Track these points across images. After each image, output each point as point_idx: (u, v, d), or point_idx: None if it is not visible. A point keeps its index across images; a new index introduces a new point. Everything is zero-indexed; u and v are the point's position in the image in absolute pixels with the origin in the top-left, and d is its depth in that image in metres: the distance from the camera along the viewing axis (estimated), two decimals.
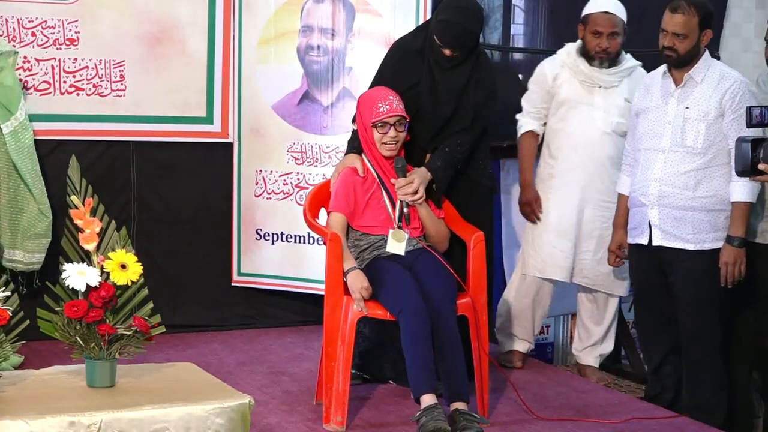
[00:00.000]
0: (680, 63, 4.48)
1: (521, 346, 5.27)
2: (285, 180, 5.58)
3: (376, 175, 4.40)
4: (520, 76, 6.36)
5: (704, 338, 4.56)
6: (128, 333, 3.11)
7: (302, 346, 5.42)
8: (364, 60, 5.38)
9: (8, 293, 3.11)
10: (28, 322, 3.22)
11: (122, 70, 5.31)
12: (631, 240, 4.71)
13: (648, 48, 5.32)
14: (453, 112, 4.47)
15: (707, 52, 4.52)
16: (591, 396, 4.83)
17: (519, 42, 6.42)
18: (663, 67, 4.58)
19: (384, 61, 4.65)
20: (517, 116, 5.22)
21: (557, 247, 5.11)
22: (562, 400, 4.72)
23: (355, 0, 5.47)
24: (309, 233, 5.48)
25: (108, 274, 3.11)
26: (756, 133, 3.95)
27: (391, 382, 4.75)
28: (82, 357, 3.13)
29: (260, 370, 4.98)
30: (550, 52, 5.37)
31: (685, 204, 4.47)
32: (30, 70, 5.15)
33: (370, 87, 4.59)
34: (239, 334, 5.61)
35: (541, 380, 5.02)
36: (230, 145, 5.61)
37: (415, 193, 4.32)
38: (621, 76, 5.05)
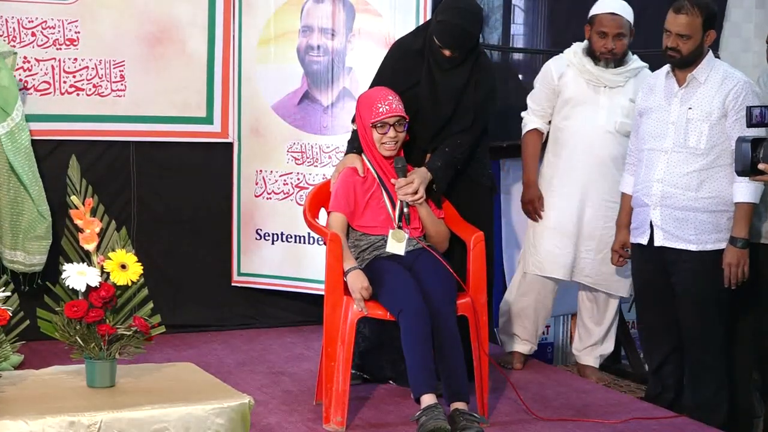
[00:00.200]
0: (684, 63, 4.47)
1: (522, 347, 5.27)
2: (285, 180, 5.58)
3: (376, 175, 4.40)
4: (520, 76, 6.36)
5: (706, 338, 4.56)
6: (128, 333, 3.12)
7: (302, 346, 5.42)
8: (364, 60, 5.38)
9: (8, 293, 3.11)
10: (28, 322, 3.22)
11: (122, 70, 5.31)
12: (633, 240, 4.71)
13: (647, 48, 5.33)
14: (453, 113, 4.47)
15: (711, 53, 4.52)
16: (591, 396, 4.83)
17: (519, 42, 6.42)
18: (666, 67, 4.58)
19: (384, 62, 4.65)
20: (522, 114, 5.23)
21: (558, 245, 5.12)
22: (562, 400, 4.72)
23: (355, 0, 5.47)
24: (309, 233, 5.48)
25: (108, 274, 3.11)
26: (757, 132, 3.95)
27: (390, 382, 4.75)
28: (82, 357, 3.13)
29: (260, 370, 4.98)
30: (550, 52, 5.37)
31: (688, 205, 4.47)
32: (30, 71, 5.15)
33: (370, 87, 4.59)
34: (239, 334, 5.61)
35: (541, 380, 5.02)
36: (230, 145, 5.61)
37: (415, 193, 4.32)
38: (627, 77, 5.05)
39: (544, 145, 5.24)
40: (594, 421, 4.43)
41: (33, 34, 5.13)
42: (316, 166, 5.54)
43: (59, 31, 5.18)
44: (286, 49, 5.54)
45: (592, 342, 5.35)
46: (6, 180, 4.83)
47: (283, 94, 5.58)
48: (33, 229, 4.89)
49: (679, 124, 4.50)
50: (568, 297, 5.58)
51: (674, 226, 4.51)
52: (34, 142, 5.08)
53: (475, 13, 4.45)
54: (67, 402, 2.98)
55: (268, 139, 5.59)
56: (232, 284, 5.70)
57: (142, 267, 3.15)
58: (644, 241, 4.60)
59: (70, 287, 3.08)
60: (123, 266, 3.12)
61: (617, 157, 5.04)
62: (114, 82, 5.31)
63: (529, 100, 5.22)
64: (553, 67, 5.15)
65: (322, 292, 4.33)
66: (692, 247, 4.48)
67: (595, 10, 5.05)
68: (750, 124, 3.66)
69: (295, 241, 5.59)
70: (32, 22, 5.13)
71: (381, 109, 4.32)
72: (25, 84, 5.13)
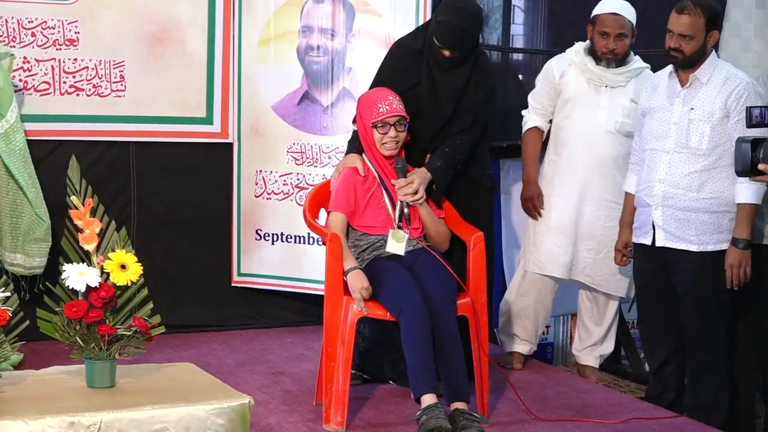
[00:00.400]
0: (686, 64, 4.47)
1: (522, 347, 5.27)
2: (285, 180, 5.58)
3: (376, 175, 4.40)
4: (520, 76, 6.37)
5: (707, 339, 4.56)
6: (128, 333, 3.12)
7: (302, 346, 5.42)
8: (364, 60, 5.38)
9: (8, 293, 3.11)
10: (28, 322, 3.22)
11: (122, 71, 5.31)
12: (635, 239, 4.71)
13: (647, 48, 5.33)
14: (453, 113, 4.47)
15: (714, 53, 4.51)
16: (591, 396, 4.83)
17: (518, 42, 6.42)
18: (669, 68, 4.58)
19: (384, 62, 4.65)
20: (523, 112, 5.23)
21: (558, 244, 5.12)
22: (562, 400, 4.72)
23: (355, 0, 5.47)
24: (309, 233, 5.48)
25: (108, 274, 3.11)
26: (757, 133, 3.94)
27: (390, 382, 4.75)
28: (82, 357, 3.13)
29: (260, 370, 4.98)
30: (550, 52, 5.37)
31: (689, 205, 4.47)
32: (30, 71, 5.15)
33: (370, 87, 4.59)
34: (239, 334, 5.61)
35: (541, 380, 5.02)
36: (230, 145, 5.61)
37: (416, 193, 4.32)
38: (628, 77, 5.05)
39: (544, 144, 5.24)
40: (594, 421, 4.43)
41: (33, 35, 5.13)
42: (316, 166, 5.54)
43: (59, 31, 5.18)
44: (286, 49, 5.54)
45: (592, 342, 5.35)
46: (4, 182, 4.82)
47: (283, 94, 5.58)
48: (32, 231, 4.88)
49: (681, 125, 4.50)
50: (568, 297, 5.58)
51: (676, 227, 4.51)
52: (34, 143, 5.08)
53: (474, 13, 4.45)
54: (67, 402, 2.98)
55: (268, 139, 5.59)
56: (232, 284, 5.70)
57: (141, 267, 3.15)
58: (646, 241, 4.60)
59: (70, 287, 3.08)
60: (123, 266, 3.12)
61: (617, 157, 5.05)
62: (114, 82, 5.31)
63: (530, 98, 5.23)
64: (554, 65, 5.16)
65: (322, 293, 4.33)
66: (693, 248, 4.48)
67: (597, 10, 5.06)
68: (750, 125, 3.65)
69: (295, 242, 5.59)
70: (32, 22, 5.13)
71: (381, 109, 4.32)
72: (25, 84, 5.13)
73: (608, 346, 5.39)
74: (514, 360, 5.24)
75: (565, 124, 5.12)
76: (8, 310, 3.04)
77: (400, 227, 4.35)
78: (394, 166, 4.37)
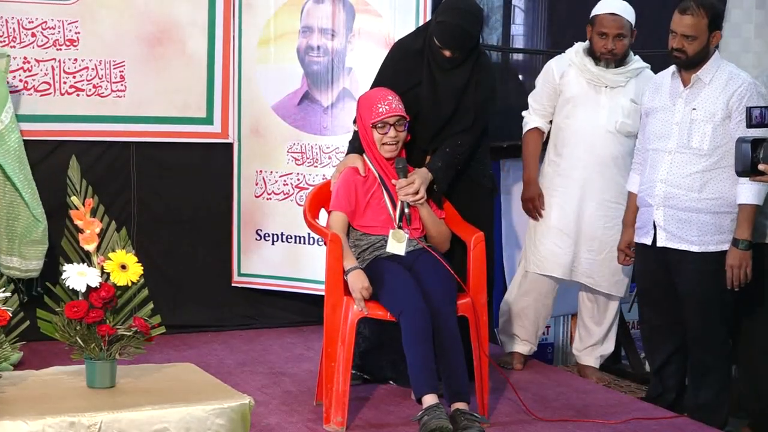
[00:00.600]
0: (689, 64, 4.47)
1: (522, 347, 5.27)
2: (285, 180, 5.58)
3: (377, 175, 4.40)
4: (520, 77, 6.37)
5: (708, 339, 4.56)
6: (128, 333, 3.12)
7: (302, 346, 5.42)
8: (364, 60, 5.38)
9: (8, 294, 3.12)
10: (28, 322, 3.22)
11: (122, 71, 5.31)
12: (637, 239, 4.71)
13: (644, 49, 5.33)
14: (453, 113, 4.47)
15: (717, 53, 4.51)
16: (591, 396, 4.83)
17: (519, 42, 6.42)
18: (673, 68, 4.57)
19: (384, 62, 4.65)
20: (523, 113, 5.23)
21: (558, 244, 5.12)
22: (563, 400, 4.72)
23: (355, 0, 5.47)
24: (309, 234, 5.48)
25: (108, 274, 3.11)
26: (759, 133, 3.94)
27: (391, 382, 4.75)
28: (82, 357, 3.13)
29: (260, 370, 4.98)
30: (550, 53, 5.37)
31: (691, 206, 4.47)
32: (30, 71, 5.15)
33: (371, 88, 4.58)
34: (239, 334, 5.61)
35: (542, 380, 5.02)
36: (230, 145, 5.61)
37: (416, 193, 4.32)
38: (628, 77, 5.05)
39: (544, 144, 5.24)
40: (594, 421, 4.43)
41: (33, 35, 5.13)
42: (316, 166, 5.54)
43: (59, 31, 5.18)
44: (286, 49, 5.54)
45: (593, 342, 5.35)
46: (1, 184, 4.81)
47: (283, 94, 5.58)
48: (29, 233, 4.85)
49: (683, 125, 4.50)
50: (568, 297, 5.58)
51: (677, 227, 4.51)
52: (34, 143, 5.09)
53: (475, 13, 4.45)
54: (67, 402, 2.98)
55: (268, 139, 5.59)
56: (232, 284, 5.71)
57: (142, 267, 3.15)
58: (648, 241, 4.60)
59: (71, 288, 3.08)
60: (123, 267, 3.12)
61: (618, 157, 5.05)
62: (114, 82, 5.31)
63: (531, 99, 5.23)
64: (554, 66, 5.16)
65: (322, 293, 4.33)
66: (695, 248, 4.48)
67: (596, 11, 5.06)
68: (750, 125, 3.65)
69: (295, 242, 5.59)
70: (32, 22, 5.13)
71: (381, 109, 4.32)
72: (25, 84, 5.13)
73: (608, 347, 5.39)
74: (514, 360, 5.24)
75: (565, 125, 5.13)
76: (8, 310, 3.04)
77: (400, 227, 4.35)
78: (395, 167, 4.37)
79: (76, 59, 5.22)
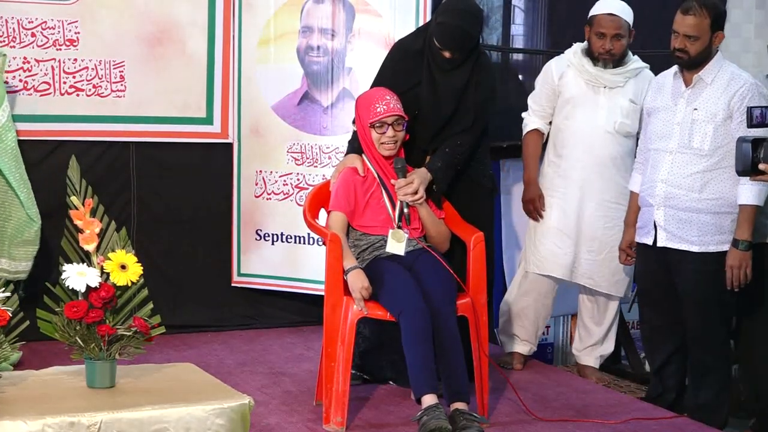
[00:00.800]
0: (691, 64, 4.46)
1: (522, 347, 5.27)
2: (285, 180, 5.58)
3: (376, 175, 4.40)
4: (520, 77, 6.37)
5: (708, 340, 4.56)
6: (128, 333, 3.12)
7: (302, 346, 5.42)
8: (364, 60, 5.38)
9: (8, 294, 3.11)
10: (28, 322, 3.22)
11: (122, 71, 5.31)
12: (638, 239, 4.71)
13: (645, 49, 5.33)
14: (453, 113, 4.47)
15: (719, 53, 4.51)
16: (591, 396, 4.83)
17: (518, 42, 6.42)
18: (675, 68, 4.57)
19: (384, 62, 4.65)
20: (523, 114, 5.23)
21: (558, 244, 5.12)
22: (562, 400, 4.72)
23: (355, 0, 5.47)
24: (309, 234, 5.48)
25: (108, 274, 3.11)
26: (759, 132, 3.94)
27: (391, 382, 4.75)
28: (82, 357, 3.13)
29: (260, 370, 4.98)
30: (550, 53, 5.37)
31: (691, 206, 4.47)
32: (30, 71, 5.14)
33: (371, 88, 4.58)
34: (239, 334, 5.61)
35: (541, 380, 5.02)
36: (230, 145, 5.61)
37: (415, 193, 4.32)
38: (626, 77, 5.05)
39: (545, 145, 5.24)
40: (594, 421, 4.43)
41: (33, 35, 5.13)
42: (316, 166, 5.54)
43: (59, 31, 5.17)
44: (286, 49, 5.54)
45: (592, 342, 5.35)
46: None
47: (283, 94, 5.58)
48: (21, 233, 4.82)
49: (684, 125, 4.50)
50: (568, 297, 5.58)
51: (677, 227, 4.51)
52: (34, 143, 5.09)
53: (474, 14, 4.45)
54: (67, 402, 2.98)
55: (268, 139, 5.59)
56: (232, 285, 5.70)
57: (141, 267, 3.15)
58: (648, 241, 4.60)
59: (70, 288, 3.08)
60: (123, 267, 3.12)
61: (617, 158, 5.05)
62: (114, 82, 5.31)
63: (530, 100, 5.23)
64: (553, 67, 5.16)
65: (322, 293, 4.33)
66: (695, 249, 4.48)
67: (594, 11, 5.06)
68: (750, 125, 3.66)
69: (295, 242, 5.59)
70: (32, 22, 5.12)
71: (379, 109, 4.32)
72: (25, 84, 5.13)
73: (608, 347, 5.39)
74: (514, 360, 5.24)
75: (564, 126, 5.13)
76: (8, 310, 3.04)
77: (399, 227, 4.35)
78: (394, 166, 4.37)
79: (75, 59, 5.22)
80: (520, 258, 5.45)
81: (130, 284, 3.13)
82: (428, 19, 5.20)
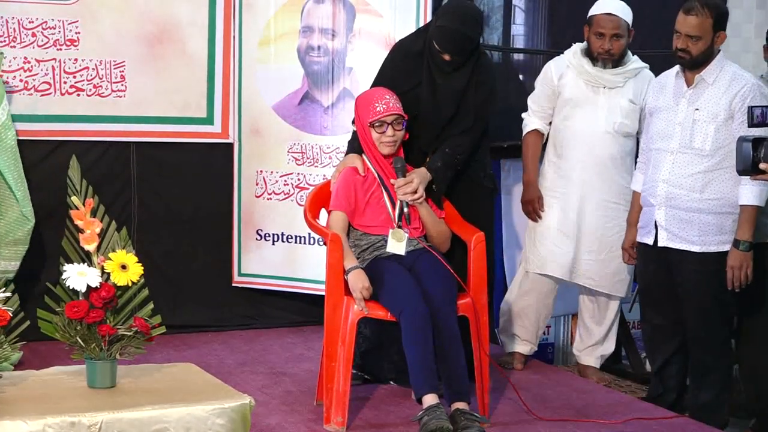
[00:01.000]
0: (693, 64, 4.46)
1: (523, 347, 5.27)
2: (285, 180, 5.58)
3: (376, 175, 4.40)
4: (521, 77, 6.36)
5: (708, 340, 4.55)
6: (129, 333, 3.12)
7: (302, 346, 5.42)
8: (364, 60, 5.38)
9: (8, 294, 3.11)
10: (28, 323, 3.22)
11: (122, 71, 5.31)
12: (639, 239, 4.71)
13: (645, 49, 5.33)
14: (454, 114, 4.47)
15: (721, 54, 4.51)
16: (591, 396, 4.83)
17: (519, 42, 6.42)
18: (677, 67, 4.57)
19: (384, 63, 4.65)
20: (523, 115, 5.23)
21: (558, 245, 5.12)
22: (563, 400, 4.72)
23: (355, 0, 5.47)
24: (309, 234, 5.48)
25: (108, 274, 3.11)
26: (760, 132, 3.94)
27: (391, 382, 4.75)
28: (82, 357, 3.13)
29: (260, 370, 4.98)
30: (551, 53, 5.36)
31: (692, 206, 4.47)
32: (30, 71, 5.14)
33: (370, 88, 4.58)
34: (239, 334, 5.61)
35: (542, 380, 5.02)
36: (230, 145, 5.61)
37: (415, 192, 4.32)
38: (626, 77, 5.05)
39: (545, 146, 5.24)
40: (594, 421, 4.43)
41: (33, 35, 5.13)
42: (317, 166, 5.54)
43: (59, 31, 5.17)
44: (286, 49, 5.54)
45: (593, 342, 5.35)
46: None
47: (284, 94, 5.58)
48: (13, 232, 4.81)
49: (685, 125, 4.49)
50: (568, 297, 5.58)
51: (678, 227, 4.50)
52: (34, 143, 5.09)
53: (474, 17, 4.45)
54: (67, 402, 2.98)
55: (269, 139, 5.59)
56: (233, 285, 5.70)
57: (142, 267, 3.15)
58: (649, 241, 4.60)
59: (71, 288, 3.08)
60: (123, 267, 3.12)
61: (616, 158, 5.05)
62: (114, 82, 5.31)
63: (530, 101, 5.23)
64: (553, 67, 5.16)
65: (323, 293, 4.33)
66: (696, 249, 4.48)
67: (593, 11, 5.06)
68: (751, 124, 3.66)
69: (296, 242, 5.59)
70: (33, 22, 5.12)
71: (378, 108, 4.32)
72: (26, 84, 5.13)
73: (609, 346, 5.39)
74: (514, 360, 5.24)
75: (564, 126, 5.13)
76: (9, 310, 3.04)
77: (399, 226, 4.35)
78: (393, 166, 4.37)
79: (76, 59, 5.22)
80: (521, 258, 5.45)
81: (130, 284, 3.13)
82: (429, 19, 5.20)
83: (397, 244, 4.32)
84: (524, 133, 5.21)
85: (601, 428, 4.37)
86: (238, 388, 3.27)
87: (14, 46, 5.08)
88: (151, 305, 3.20)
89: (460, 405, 4.09)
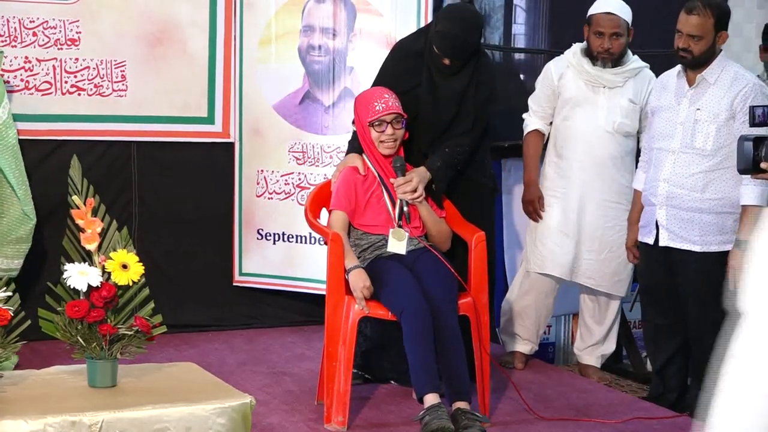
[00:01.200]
0: (695, 64, 4.46)
1: (524, 347, 5.27)
2: (286, 180, 5.58)
3: (376, 174, 4.40)
4: (522, 76, 6.36)
5: (710, 340, 4.55)
6: (129, 333, 3.12)
7: (303, 346, 5.42)
8: (365, 60, 5.38)
9: (9, 293, 3.11)
10: (29, 322, 3.22)
11: (123, 71, 5.31)
12: (640, 238, 4.71)
13: (645, 48, 5.32)
14: (454, 116, 4.47)
15: (723, 53, 4.51)
16: (592, 396, 4.83)
17: (520, 42, 6.42)
18: (679, 67, 4.57)
19: (385, 63, 4.65)
20: (524, 115, 5.24)
21: (559, 244, 5.12)
22: (564, 399, 4.72)
23: (356, 0, 5.47)
24: (310, 233, 5.48)
25: (109, 274, 3.11)
26: (761, 131, 3.94)
27: (392, 382, 4.75)
28: (83, 357, 3.13)
29: (261, 370, 4.98)
30: (551, 53, 5.36)
31: (693, 206, 4.47)
32: (31, 71, 5.15)
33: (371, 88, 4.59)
34: (240, 334, 5.61)
35: (543, 380, 5.02)
36: (231, 145, 5.61)
37: (414, 191, 4.32)
38: (626, 77, 5.05)
39: (545, 146, 5.24)
40: (595, 420, 4.43)
41: (34, 34, 5.13)
42: (318, 166, 5.54)
43: (60, 31, 5.18)
44: (287, 48, 5.54)
45: (594, 341, 5.35)
46: None
47: (285, 93, 5.58)
48: (15, 230, 4.81)
49: (686, 125, 4.49)
50: (569, 297, 5.58)
51: (679, 227, 4.50)
52: (35, 142, 5.09)
53: (474, 22, 4.45)
54: (68, 402, 2.98)
55: (270, 139, 5.59)
56: (234, 284, 5.70)
57: (143, 267, 3.15)
58: (650, 240, 4.60)
59: (72, 287, 3.08)
60: (124, 266, 3.12)
61: (616, 157, 5.06)
62: (115, 82, 5.31)
63: (531, 101, 5.23)
64: (553, 68, 5.16)
65: (324, 292, 4.33)
66: (697, 248, 4.48)
67: (592, 10, 5.06)
68: (753, 124, 3.66)
69: (297, 241, 5.59)
70: (33, 22, 5.13)
71: (377, 107, 4.32)
72: (27, 84, 5.13)
73: (610, 346, 5.39)
74: (515, 359, 5.24)
75: (564, 126, 5.13)
76: (9, 310, 3.04)
77: (400, 226, 4.35)
78: (393, 165, 4.38)
79: (77, 59, 5.22)
80: (522, 257, 5.45)
81: (131, 284, 3.13)
82: (430, 19, 5.20)
83: (397, 244, 4.32)
84: (525, 133, 5.21)
85: (602, 428, 4.37)
86: (239, 388, 3.27)
87: (15, 46, 5.08)
88: (151, 305, 3.20)
89: (461, 404, 4.09)
